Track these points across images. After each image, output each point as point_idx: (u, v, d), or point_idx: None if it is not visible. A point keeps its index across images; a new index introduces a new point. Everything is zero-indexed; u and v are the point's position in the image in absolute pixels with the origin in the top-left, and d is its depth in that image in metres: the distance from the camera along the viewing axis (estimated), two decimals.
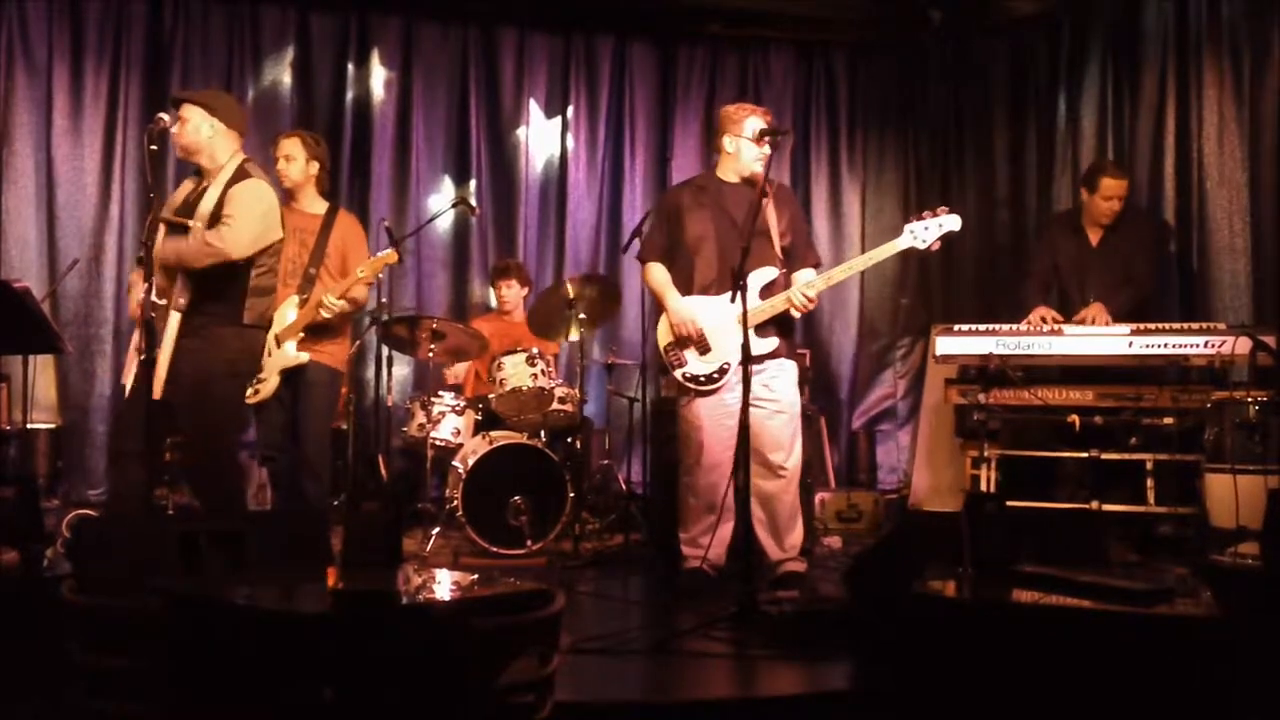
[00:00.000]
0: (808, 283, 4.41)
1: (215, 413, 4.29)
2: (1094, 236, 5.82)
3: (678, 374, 4.54)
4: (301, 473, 4.91)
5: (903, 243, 4.39)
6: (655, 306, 4.69)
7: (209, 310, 4.18)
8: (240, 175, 4.32)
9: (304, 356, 4.85)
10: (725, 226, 4.48)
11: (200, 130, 4.28)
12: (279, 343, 4.88)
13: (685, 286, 4.54)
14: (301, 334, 4.86)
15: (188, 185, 4.41)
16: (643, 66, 7.62)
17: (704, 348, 4.47)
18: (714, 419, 4.45)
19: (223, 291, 4.23)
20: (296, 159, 5.03)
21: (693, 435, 4.52)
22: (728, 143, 4.55)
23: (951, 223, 4.37)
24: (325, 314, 4.81)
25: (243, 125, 4.42)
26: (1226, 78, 5.95)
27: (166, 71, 6.76)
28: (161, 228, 4.20)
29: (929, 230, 4.37)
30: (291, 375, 4.91)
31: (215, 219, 4.17)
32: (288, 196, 5.03)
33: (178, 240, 4.18)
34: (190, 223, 4.17)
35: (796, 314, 4.42)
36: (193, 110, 4.34)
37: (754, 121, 4.51)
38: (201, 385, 4.18)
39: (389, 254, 4.88)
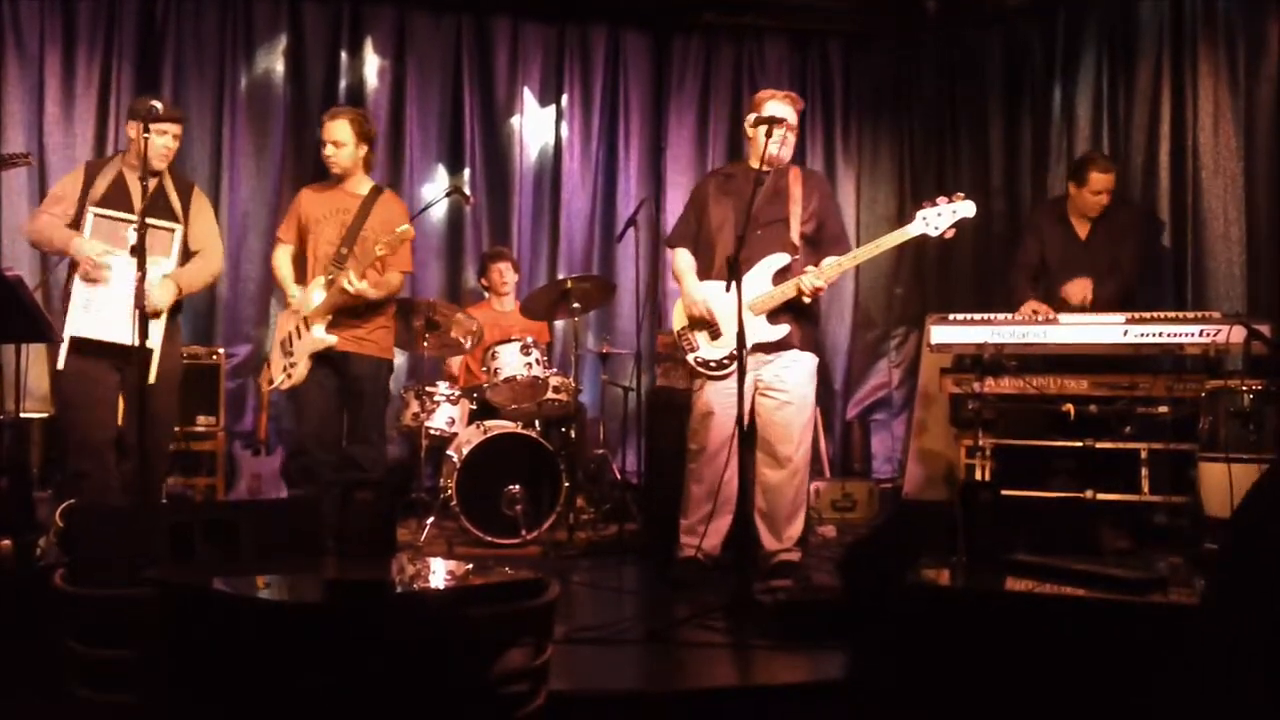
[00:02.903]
0: (816, 269, 4.38)
1: (178, 406, 4.78)
2: (1081, 229, 5.81)
3: (690, 358, 4.55)
4: (348, 469, 4.85)
5: (915, 229, 4.33)
6: (650, 296, 4.70)
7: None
8: (185, 182, 4.75)
9: (332, 339, 4.76)
10: (743, 214, 4.48)
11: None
12: (308, 325, 4.82)
13: (706, 273, 4.57)
14: (329, 317, 4.78)
15: (110, 173, 4.56)
16: (637, 56, 7.60)
17: (716, 333, 4.47)
18: (721, 405, 4.44)
19: None
20: (346, 144, 4.88)
21: (699, 420, 4.53)
22: (748, 127, 4.55)
23: (965, 209, 4.30)
24: (356, 291, 4.69)
25: None
26: (1221, 68, 5.95)
27: (159, 60, 6.72)
28: (92, 217, 4.46)
29: (942, 217, 4.30)
30: (337, 368, 4.84)
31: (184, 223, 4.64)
32: (336, 180, 4.97)
33: (195, 273, 4.63)
34: (171, 226, 4.56)
35: (806, 298, 4.40)
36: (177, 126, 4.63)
37: (772, 105, 4.54)
38: (175, 377, 4.64)
39: (405, 229, 4.78)
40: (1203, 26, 6.04)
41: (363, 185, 4.98)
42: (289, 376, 4.84)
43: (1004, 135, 7.17)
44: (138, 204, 4.30)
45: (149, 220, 4.25)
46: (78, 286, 4.41)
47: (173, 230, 4.55)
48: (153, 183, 4.49)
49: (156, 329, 4.44)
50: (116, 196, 4.50)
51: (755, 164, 4.53)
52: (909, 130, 7.65)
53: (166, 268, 4.50)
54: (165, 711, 2.15)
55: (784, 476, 4.45)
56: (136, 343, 3.98)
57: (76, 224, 4.47)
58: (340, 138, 4.88)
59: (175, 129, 4.56)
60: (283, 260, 5.02)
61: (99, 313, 4.39)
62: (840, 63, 7.74)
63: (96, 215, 4.44)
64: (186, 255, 4.62)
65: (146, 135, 4.35)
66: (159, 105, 4.24)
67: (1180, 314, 5.45)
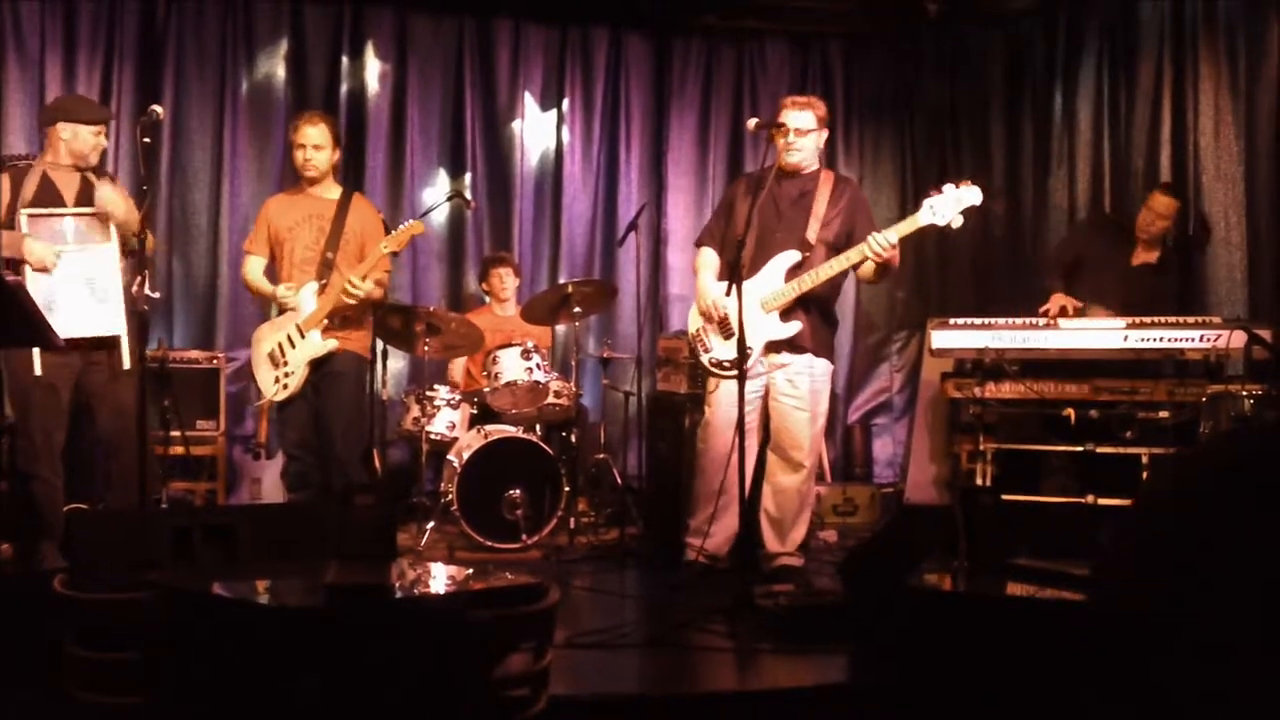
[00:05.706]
0: (875, 235, 4.26)
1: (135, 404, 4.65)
2: (1140, 253, 5.78)
3: (704, 359, 4.55)
4: (332, 470, 4.84)
5: (923, 218, 4.25)
6: (651, 300, 4.70)
7: None
8: (104, 174, 4.80)
9: (333, 344, 4.76)
10: (769, 215, 4.48)
11: None
12: (302, 332, 4.80)
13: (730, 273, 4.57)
14: (326, 321, 4.78)
15: (35, 176, 4.60)
16: (638, 59, 7.59)
17: (729, 332, 4.46)
18: (731, 404, 4.39)
19: None
20: (325, 148, 4.90)
21: (707, 421, 4.54)
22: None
23: (971, 195, 4.22)
24: (348, 299, 4.71)
25: None
26: (1223, 71, 5.95)
27: (160, 63, 6.72)
28: (25, 218, 4.51)
29: (948, 204, 4.22)
30: (317, 369, 4.83)
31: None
32: (308, 184, 4.97)
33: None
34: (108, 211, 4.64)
35: (873, 260, 4.26)
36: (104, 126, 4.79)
37: (784, 112, 4.53)
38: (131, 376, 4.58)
39: (415, 224, 4.76)
40: (1204, 29, 6.04)
41: (332, 190, 5.01)
42: (285, 387, 4.82)
43: (1005, 137, 7.16)
44: (69, 200, 4.56)
45: (81, 210, 4.54)
46: (32, 287, 4.39)
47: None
48: (78, 179, 4.62)
49: (122, 318, 4.52)
50: (46, 197, 4.59)
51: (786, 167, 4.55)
52: (910, 132, 7.64)
53: (111, 252, 4.56)
54: (166, 714, 2.15)
55: (796, 481, 4.47)
56: (123, 331, 4.32)
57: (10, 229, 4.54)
58: (320, 141, 4.89)
59: (104, 129, 4.76)
60: (255, 271, 5.01)
61: (62, 312, 4.39)
62: (841, 65, 7.73)
63: (30, 216, 4.52)
64: (125, 241, 4.67)
65: (145, 140, 4.37)
66: (159, 109, 4.36)
67: (1181, 319, 5.45)
